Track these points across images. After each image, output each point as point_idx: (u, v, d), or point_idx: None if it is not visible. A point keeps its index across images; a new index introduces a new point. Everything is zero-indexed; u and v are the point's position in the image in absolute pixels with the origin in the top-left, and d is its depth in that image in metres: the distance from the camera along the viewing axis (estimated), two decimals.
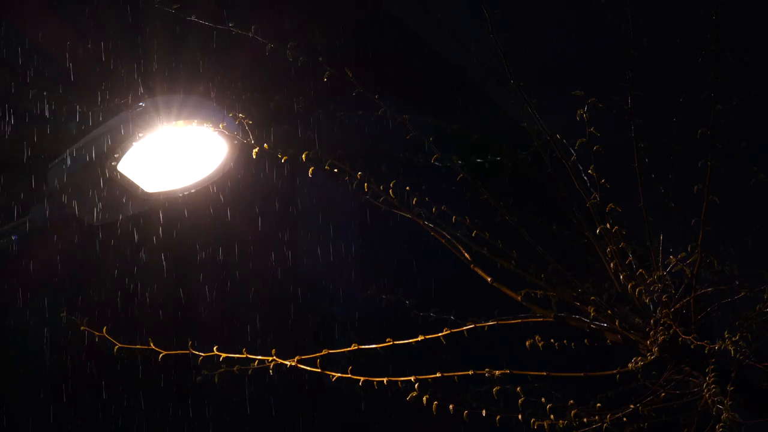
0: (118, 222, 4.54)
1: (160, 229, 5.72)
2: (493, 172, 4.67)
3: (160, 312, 5.77)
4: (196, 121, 3.64)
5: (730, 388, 2.88)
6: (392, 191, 3.07)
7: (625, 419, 3.16)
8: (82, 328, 3.14)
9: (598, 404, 3.17)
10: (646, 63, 3.19)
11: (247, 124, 3.12)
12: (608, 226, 3.10)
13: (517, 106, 3.17)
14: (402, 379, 3.04)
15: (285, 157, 3.08)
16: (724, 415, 2.71)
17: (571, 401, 3.10)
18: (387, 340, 3.07)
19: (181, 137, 3.84)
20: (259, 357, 3.07)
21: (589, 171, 3.13)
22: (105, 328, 3.12)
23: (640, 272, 3.08)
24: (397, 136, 3.68)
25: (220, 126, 3.30)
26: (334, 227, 7.47)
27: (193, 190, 4.06)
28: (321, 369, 3.02)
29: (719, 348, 2.85)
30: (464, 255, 3.12)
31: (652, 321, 3.04)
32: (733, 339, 2.83)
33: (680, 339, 2.96)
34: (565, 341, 3.20)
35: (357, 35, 7.21)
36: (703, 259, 3.03)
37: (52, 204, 4.06)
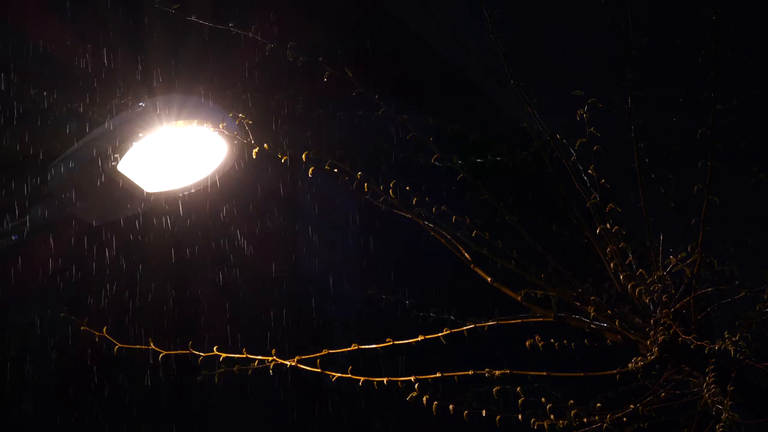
0: (118, 222, 4.54)
1: (160, 229, 5.72)
2: (493, 172, 4.67)
3: (160, 312, 5.77)
4: (196, 121, 3.63)
5: (730, 388, 2.88)
6: (392, 191, 3.07)
7: (625, 419, 3.16)
8: (82, 328, 3.14)
9: (598, 404, 3.18)
10: (646, 63, 3.19)
11: (247, 124, 3.12)
12: (608, 226, 3.10)
13: (517, 106, 3.18)
14: (402, 379, 3.04)
15: (285, 157, 3.08)
16: (724, 415, 2.71)
17: (571, 401, 3.10)
18: (387, 340, 3.07)
19: (181, 137, 3.84)
20: (259, 357, 3.07)
21: (589, 171, 3.13)
22: (105, 328, 3.12)
23: (640, 272, 3.09)
24: (397, 136, 3.68)
25: (220, 126, 3.30)
26: (334, 227, 7.47)
27: (193, 190, 4.06)
28: (321, 369, 3.02)
29: (719, 348, 2.85)
30: (464, 255, 3.12)
31: (652, 321, 3.04)
32: (733, 339, 2.83)
33: (680, 339, 2.96)
34: (565, 341, 3.20)
35: (357, 35, 7.21)
36: (703, 259, 3.03)
37: (52, 204, 4.06)
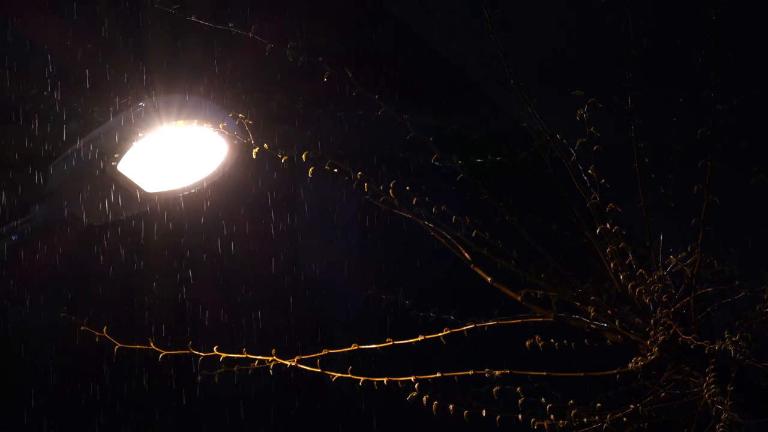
0: (118, 222, 4.54)
1: (161, 229, 5.72)
2: (493, 172, 4.67)
3: (160, 312, 5.77)
4: (196, 121, 3.64)
5: (730, 388, 2.88)
6: (392, 191, 3.07)
7: (625, 419, 3.16)
8: (82, 328, 3.14)
9: (598, 404, 3.18)
10: (646, 63, 3.19)
11: (247, 124, 3.12)
12: (608, 226, 3.10)
13: (517, 106, 3.18)
14: (402, 379, 3.04)
15: (285, 157, 3.08)
16: (724, 415, 2.71)
17: (571, 401, 3.10)
18: (387, 340, 3.07)
19: (181, 137, 3.84)
20: (259, 357, 3.07)
21: (589, 171, 3.13)
22: (105, 327, 3.12)
23: (640, 272, 3.08)
24: (397, 136, 3.68)
25: (220, 126, 3.30)
26: (334, 227, 7.47)
27: (193, 190, 4.06)
28: (321, 369, 3.02)
29: (719, 348, 2.85)
30: (464, 255, 3.12)
31: (652, 321, 3.04)
32: (733, 339, 2.83)
33: (680, 339, 2.96)
34: (565, 341, 3.20)
35: (357, 35, 7.21)
36: (703, 259, 3.03)
37: (52, 204, 4.06)
